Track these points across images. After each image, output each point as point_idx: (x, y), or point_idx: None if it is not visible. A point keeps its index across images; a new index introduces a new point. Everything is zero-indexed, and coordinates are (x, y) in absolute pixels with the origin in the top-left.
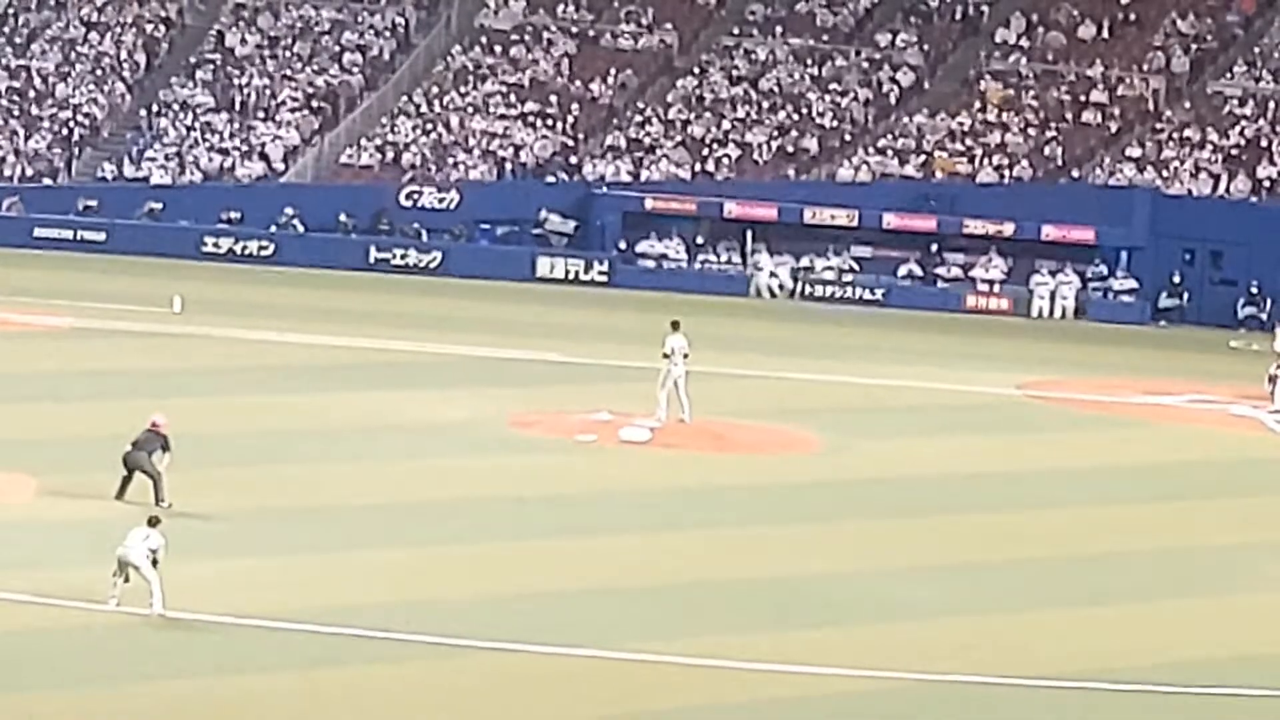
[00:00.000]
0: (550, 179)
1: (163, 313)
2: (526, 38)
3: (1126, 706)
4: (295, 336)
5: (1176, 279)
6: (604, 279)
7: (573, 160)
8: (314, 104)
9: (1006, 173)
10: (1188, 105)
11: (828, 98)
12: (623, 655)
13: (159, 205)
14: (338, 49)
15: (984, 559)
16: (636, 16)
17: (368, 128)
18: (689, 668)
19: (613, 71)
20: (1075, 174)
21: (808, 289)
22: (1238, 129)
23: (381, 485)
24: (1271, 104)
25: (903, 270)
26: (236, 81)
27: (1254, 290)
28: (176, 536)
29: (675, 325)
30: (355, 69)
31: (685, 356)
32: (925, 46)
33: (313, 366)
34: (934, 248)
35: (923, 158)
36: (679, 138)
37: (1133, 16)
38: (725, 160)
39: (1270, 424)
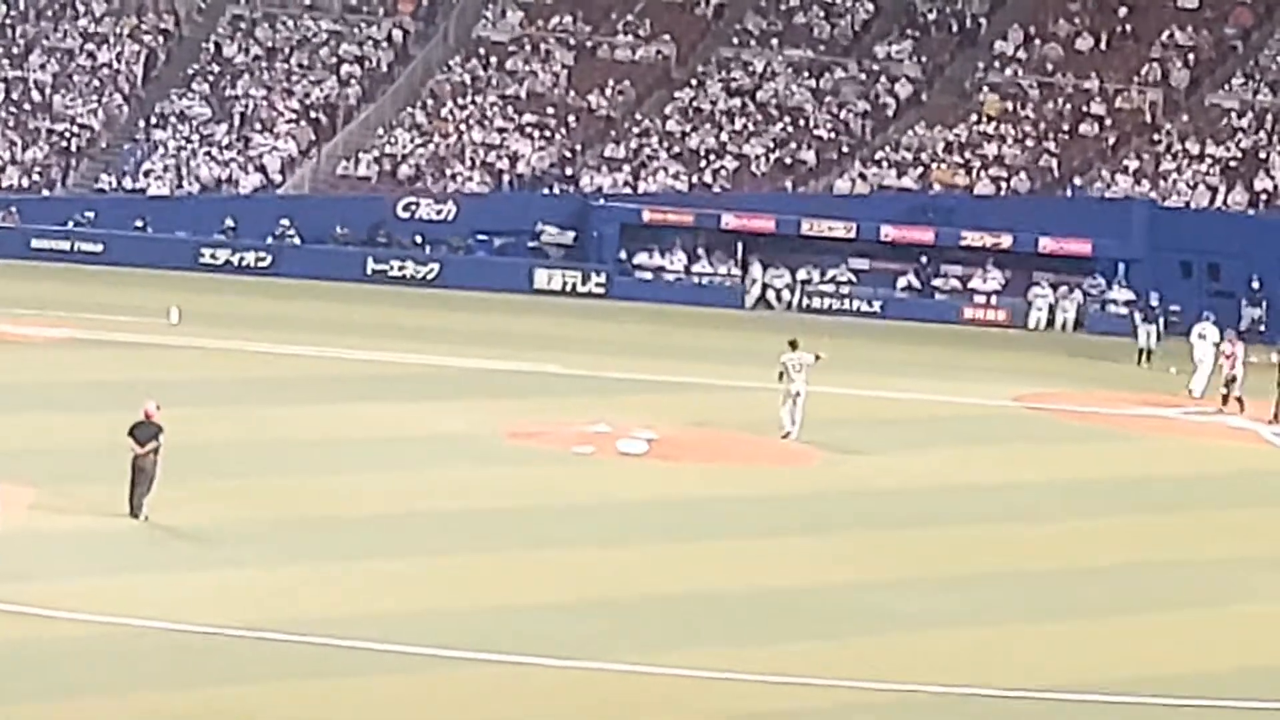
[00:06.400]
0: (548, 190)
1: (160, 324)
2: (524, 49)
3: (1124, 719)
4: (292, 348)
5: (1155, 302)
6: (601, 290)
7: (570, 172)
8: (311, 115)
9: (1004, 185)
10: (1185, 117)
11: (825, 109)
12: (619, 667)
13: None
14: (335, 60)
15: (981, 571)
16: (634, 28)
17: (365, 139)
18: (685, 680)
19: (610, 83)
20: (1073, 186)
21: (805, 301)
22: (1235, 141)
23: (378, 497)
24: (1269, 116)
25: (900, 282)
26: (234, 93)
27: (1255, 287)
28: (172, 548)
29: (793, 344)
30: (353, 80)
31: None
32: (923, 58)
33: (309, 378)
34: (931, 260)
35: (920, 170)
36: (676, 149)
37: (1130, 29)
38: (723, 172)
39: (1267, 436)
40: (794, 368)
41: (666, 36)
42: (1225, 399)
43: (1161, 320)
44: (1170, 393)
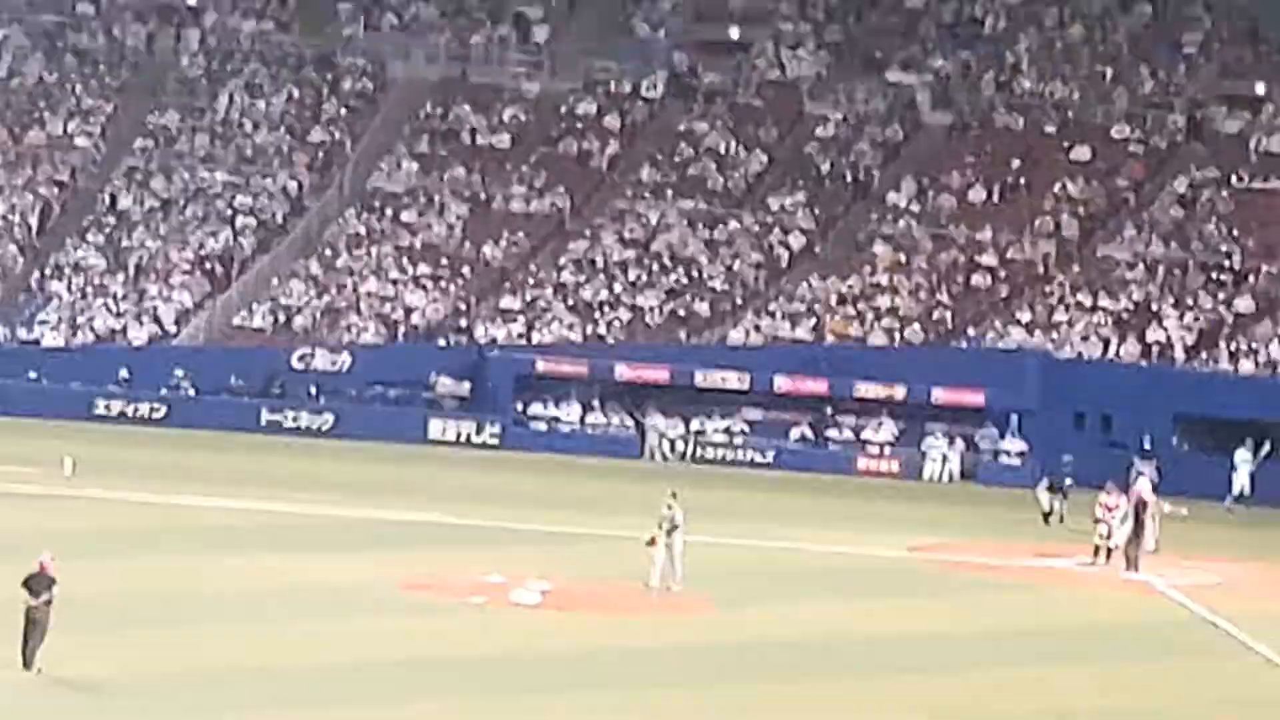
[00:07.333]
0: (442, 341)
1: (54, 474)
2: (419, 201)
3: None
4: (187, 499)
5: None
6: (496, 441)
7: (464, 323)
8: (206, 266)
9: (897, 335)
10: (1078, 269)
11: (719, 261)
12: None
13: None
14: (230, 212)
15: None
16: (528, 180)
17: (260, 290)
18: None
19: (505, 234)
20: (966, 337)
21: (699, 451)
22: (1127, 293)
23: (272, 648)
24: (1161, 268)
25: (794, 433)
26: (129, 244)
27: (1146, 447)
28: (66, 700)
29: (674, 495)
30: (248, 231)
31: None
32: (816, 210)
33: (204, 529)
34: (826, 411)
35: (814, 320)
36: (571, 300)
37: (1023, 181)
38: (616, 323)
39: (1160, 587)
40: (674, 520)
41: (561, 188)
42: (1098, 551)
43: (1064, 494)
44: (1062, 543)
